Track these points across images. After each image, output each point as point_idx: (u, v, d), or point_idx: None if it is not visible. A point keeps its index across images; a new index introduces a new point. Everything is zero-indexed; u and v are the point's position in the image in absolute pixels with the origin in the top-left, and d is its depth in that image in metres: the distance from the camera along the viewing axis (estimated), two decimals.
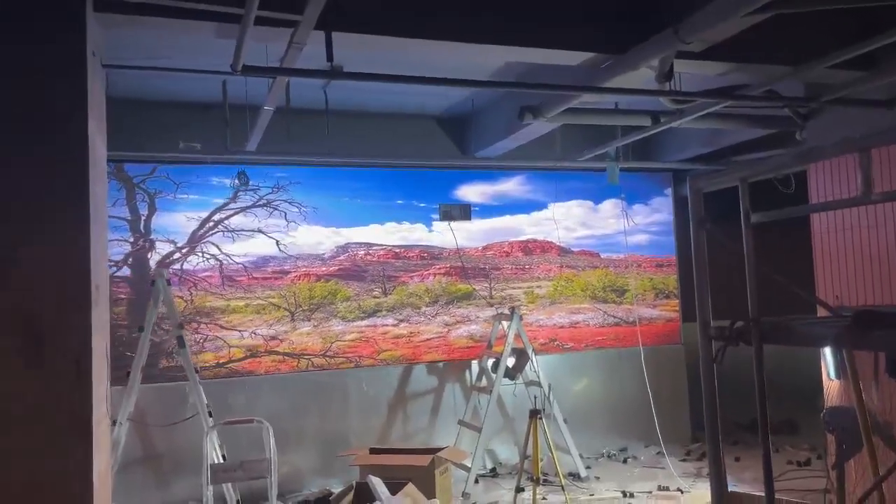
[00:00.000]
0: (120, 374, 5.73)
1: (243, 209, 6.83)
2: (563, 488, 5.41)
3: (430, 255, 7.68)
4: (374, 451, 6.32)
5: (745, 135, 6.78)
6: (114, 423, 5.64)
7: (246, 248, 6.93)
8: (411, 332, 7.46)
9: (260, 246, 6.97)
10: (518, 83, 4.69)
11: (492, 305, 7.71)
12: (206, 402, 5.78)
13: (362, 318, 7.30)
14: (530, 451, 5.44)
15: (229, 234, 6.80)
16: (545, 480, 6.58)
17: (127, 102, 6.19)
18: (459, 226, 7.60)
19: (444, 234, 7.66)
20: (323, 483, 6.77)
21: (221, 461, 5.68)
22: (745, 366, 2.74)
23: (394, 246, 7.55)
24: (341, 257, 7.33)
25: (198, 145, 5.81)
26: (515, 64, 5.37)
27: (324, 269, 7.24)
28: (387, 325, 7.39)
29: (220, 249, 6.78)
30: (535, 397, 5.50)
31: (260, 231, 6.87)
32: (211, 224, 6.73)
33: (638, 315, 8.16)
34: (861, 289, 5.07)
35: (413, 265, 7.60)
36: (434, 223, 7.60)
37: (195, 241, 6.70)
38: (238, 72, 3.51)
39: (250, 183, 6.47)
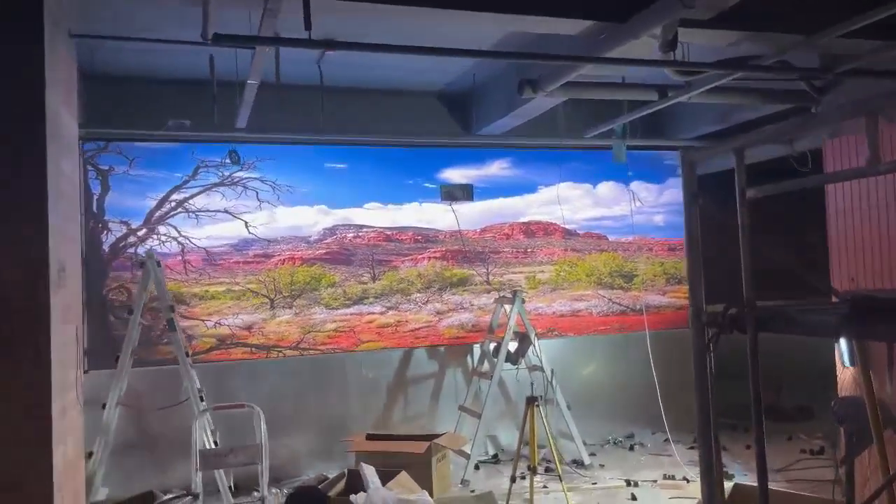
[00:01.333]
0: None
1: (206, 188, 6.42)
2: (560, 478, 5.21)
3: (424, 238, 7.31)
4: (371, 437, 6.18)
5: (759, 111, 6.47)
6: (103, 406, 5.55)
7: (222, 231, 6.53)
8: (398, 321, 7.10)
9: (239, 228, 6.59)
10: (515, 53, 4.43)
11: (489, 292, 7.39)
12: (198, 386, 5.65)
13: (347, 306, 6.94)
14: (528, 438, 5.24)
15: (193, 216, 6.40)
16: (547, 468, 6.42)
17: (113, 79, 6.04)
18: (458, 207, 7.32)
19: (440, 216, 7.31)
20: (322, 468, 6.64)
21: (213, 447, 5.57)
22: (763, 347, 2.52)
23: (385, 228, 7.18)
24: (328, 240, 6.96)
25: (187, 122, 5.62)
26: (515, 36, 5.14)
27: (309, 252, 6.89)
28: (373, 314, 7.01)
29: (179, 231, 6.39)
30: (533, 384, 5.30)
31: (227, 212, 6.50)
32: (172, 204, 6.35)
33: (645, 303, 7.79)
34: (879, 271, 4.80)
35: (406, 248, 7.25)
36: (428, 204, 7.25)
37: (154, 222, 6.32)
38: (209, 41, 3.31)
39: (242, 161, 6.23)
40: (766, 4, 4.35)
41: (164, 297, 5.69)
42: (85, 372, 6.05)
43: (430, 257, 7.31)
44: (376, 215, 7.12)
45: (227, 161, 6.09)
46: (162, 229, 6.34)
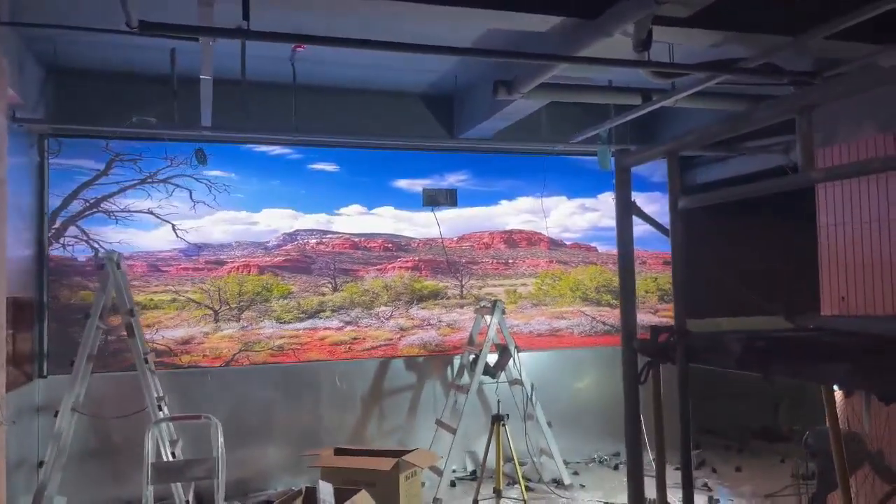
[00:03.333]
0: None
1: (124, 188, 6.02)
2: (524, 501, 4.92)
3: (395, 246, 6.87)
4: (339, 451, 5.90)
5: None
6: (55, 414, 5.32)
7: (165, 235, 6.13)
8: (355, 338, 6.64)
9: (196, 231, 6.19)
10: (485, 50, 4.15)
11: (462, 307, 6.96)
12: (157, 394, 5.42)
13: (301, 320, 6.48)
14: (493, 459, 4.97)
15: (112, 217, 6.03)
16: (528, 487, 6.13)
17: (77, 74, 5.85)
18: (440, 213, 7.02)
19: (416, 223, 6.93)
20: (290, 482, 6.40)
21: (171, 459, 5.33)
22: None
23: (353, 234, 6.73)
24: (288, 246, 6.52)
25: (153, 120, 5.40)
26: (493, 36, 4.88)
27: (267, 259, 6.45)
28: (329, 328, 6.56)
29: (87, 234, 6.01)
30: (499, 401, 5.02)
31: (151, 212, 6.09)
32: (85, 203, 5.99)
33: (642, 320, 7.39)
34: (870, 293, 4.49)
35: (374, 257, 6.80)
36: (405, 211, 6.86)
37: (66, 221, 5.95)
38: (135, 28, 3.08)
39: (208, 161, 5.96)
40: (750, 3, 4.08)
41: (123, 300, 5.46)
42: (44, 377, 5.89)
43: (400, 267, 6.89)
44: (346, 221, 6.73)
45: (194, 160, 5.85)
46: (74, 231, 6.00)
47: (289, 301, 6.47)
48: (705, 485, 6.27)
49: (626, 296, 2.21)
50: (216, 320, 6.28)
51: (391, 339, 6.77)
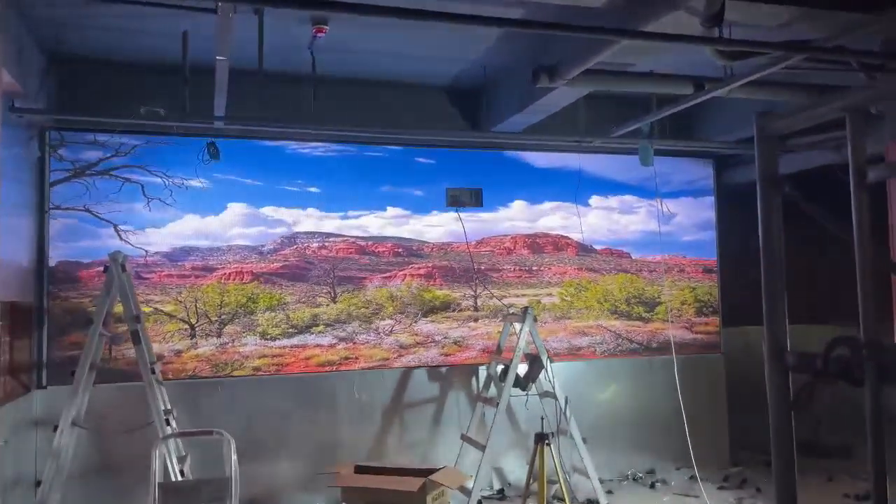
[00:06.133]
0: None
1: (63, 179, 5.43)
2: None
3: (406, 251, 6.27)
4: (359, 469, 5.48)
5: None
6: (54, 429, 4.91)
7: (156, 237, 5.61)
8: (345, 358, 5.99)
9: (177, 235, 5.65)
10: (540, 23, 3.65)
11: (476, 320, 6.39)
12: (164, 407, 5.00)
13: (290, 335, 5.86)
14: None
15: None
16: None
17: (80, 61, 5.48)
18: (465, 216, 6.55)
19: (433, 226, 6.42)
20: (306, 501, 5.97)
21: (179, 478, 4.91)
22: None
23: (360, 238, 6.14)
24: (286, 251, 5.93)
25: (161, 111, 5.00)
26: (538, 13, 4.46)
27: (262, 265, 5.84)
28: (321, 346, 5.94)
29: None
30: (543, 419, 4.59)
31: (87, 210, 5.37)
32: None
33: (667, 338, 6.72)
34: None
35: (383, 263, 6.19)
36: (423, 214, 6.37)
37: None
38: None
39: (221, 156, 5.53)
40: None
41: (128, 305, 5.05)
42: (43, 388, 5.47)
43: (411, 274, 6.29)
44: (353, 223, 6.17)
45: (206, 155, 5.44)
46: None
47: (276, 314, 5.84)
48: None
49: (773, 296, 1.77)
50: (192, 336, 5.69)
51: (386, 360, 6.19)
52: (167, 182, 5.67)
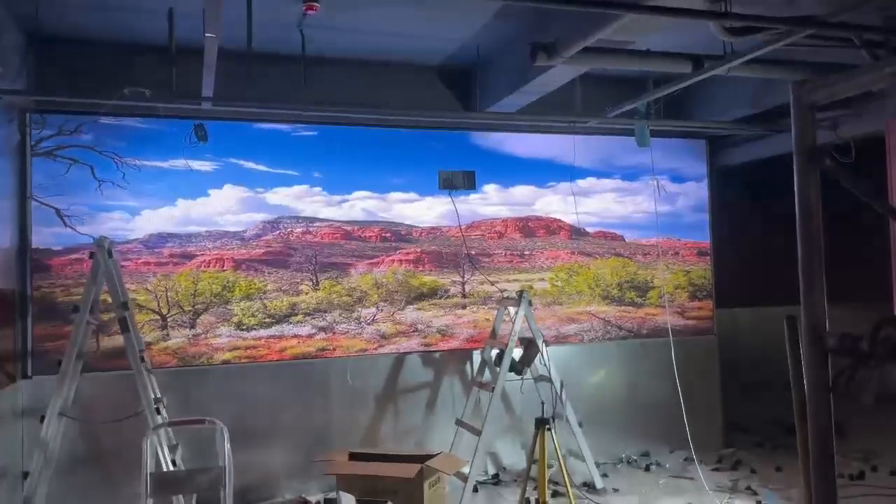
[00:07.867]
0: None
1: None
2: None
3: (394, 236, 6.13)
4: (353, 455, 5.40)
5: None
6: (41, 419, 4.78)
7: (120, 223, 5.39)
8: (322, 349, 5.83)
9: (156, 221, 5.48)
10: None
11: (464, 307, 6.29)
12: (154, 395, 4.88)
13: (267, 325, 5.68)
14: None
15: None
16: (555, 492, 5.66)
17: (60, 41, 5.30)
18: (457, 199, 6.44)
19: (421, 210, 6.30)
20: (299, 489, 5.89)
21: (170, 467, 4.81)
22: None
23: (345, 222, 5.99)
24: (269, 236, 5.76)
25: (146, 92, 4.85)
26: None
27: (244, 251, 5.66)
28: (299, 336, 5.79)
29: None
30: (543, 403, 4.53)
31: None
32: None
33: (659, 324, 6.73)
34: None
35: (370, 248, 6.05)
36: (402, 194, 6.22)
37: None
38: None
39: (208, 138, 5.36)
40: None
41: (116, 291, 4.92)
42: (28, 377, 5.32)
43: (399, 260, 6.16)
44: (339, 207, 6.03)
45: (193, 136, 5.28)
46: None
47: (253, 303, 5.66)
48: (748, 488, 5.81)
49: (810, 274, 1.69)
50: (163, 327, 5.51)
51: (365, 350, 6.06)
52: (139, 165, 5.50)
